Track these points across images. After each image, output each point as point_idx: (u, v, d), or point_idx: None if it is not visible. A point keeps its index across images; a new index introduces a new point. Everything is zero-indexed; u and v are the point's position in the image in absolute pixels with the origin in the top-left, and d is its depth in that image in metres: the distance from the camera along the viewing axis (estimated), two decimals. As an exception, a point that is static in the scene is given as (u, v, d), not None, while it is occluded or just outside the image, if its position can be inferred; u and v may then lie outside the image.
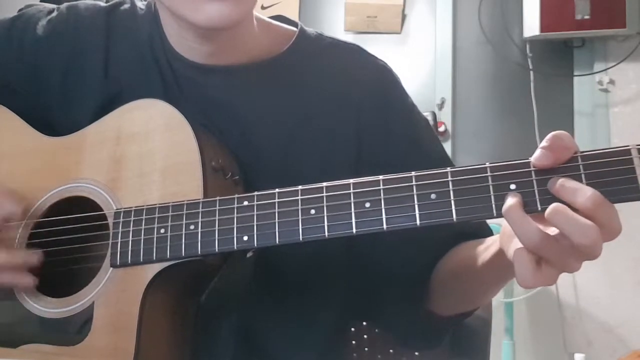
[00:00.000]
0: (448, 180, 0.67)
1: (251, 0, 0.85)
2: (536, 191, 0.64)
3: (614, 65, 2.58)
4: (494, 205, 0.65)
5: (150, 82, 0.93)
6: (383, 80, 0.97)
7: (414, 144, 0.94)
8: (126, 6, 0.99)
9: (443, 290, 0.90)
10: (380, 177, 0.70)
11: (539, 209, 0.63)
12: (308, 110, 0.93)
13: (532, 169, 0.65)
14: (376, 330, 1.10)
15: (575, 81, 2.68)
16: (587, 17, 2.50)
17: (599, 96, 2.63)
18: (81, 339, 0.79)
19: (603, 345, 2.46)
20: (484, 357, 1.17)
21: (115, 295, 0.79)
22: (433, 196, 0.67)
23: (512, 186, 0.65)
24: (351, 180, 0.71)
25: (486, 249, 0.78)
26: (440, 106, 2.77)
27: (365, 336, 1.10)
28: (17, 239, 0.87)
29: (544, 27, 2.55)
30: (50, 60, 0.96)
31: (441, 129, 2.71)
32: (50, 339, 0.81)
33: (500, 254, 0.71)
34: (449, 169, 0.68)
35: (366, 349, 1.09)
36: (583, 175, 0.63)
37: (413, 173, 0.69)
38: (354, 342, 1.09)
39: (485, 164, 0.66)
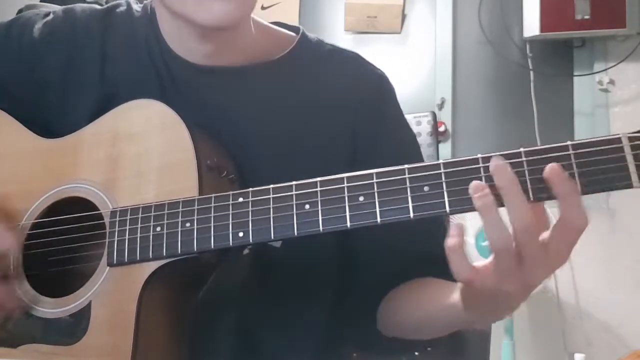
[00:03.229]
0: (440, 172, 0.67)
1: (253, 0, 0.86)
2: (528, 180, 0.64)
3: (614, 65, 2.58)
4: None
5: (146, 83, 0.93)
6: (380, 88, 0.98)
7: (397, 157, 0.94)
8: (122, 8, 0.99)
9: (395, 321, 0.92)
10: (374, 170, 0.70)
11: (532, 199, 0.64)
12: (305, 113, 0.94)
13: (523, 159, 0.65)
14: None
15: (575, 81, 2.68)
16: (587, 17, 2.50)
17: (599, 96, 2.63)
18: (79, 338, 0.79)
19: (603, 345, 2.46)
20: (484, 358, 1.18)
21: (112, 294, 0.79)
22: (426, 188, 0.67)
23: None
24: (345, 175, 0.71)
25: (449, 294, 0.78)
26: (440, 106, 2.77)
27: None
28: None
29: (544, 27, 2.55)
30: (47, 62, 0.96)
31: (441, 129, 2.71)
32: (48, 338, 0.81)
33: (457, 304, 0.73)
34: (441, 161, 0.68)
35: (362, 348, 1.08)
36: (574, 164, 0.63)
37: (406, 166, 0.69)
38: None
39: (477, 155, 0.67)
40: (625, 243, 2.38)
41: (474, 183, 0.64)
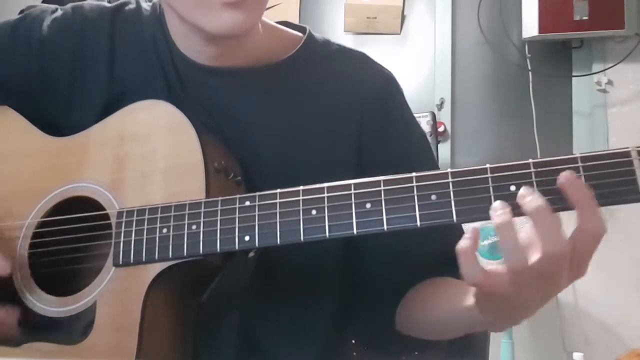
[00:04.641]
0: (448, 181, 0.67)
1: (263, 7, 0.86)
2: (536, 192, 0.63)
3: (613, 66, 2.58)
4: None
5: (154, 83, 0.93)
6: (387, 89, 0.98)
7: (407, 157, 0.94)
8: (131, 7, 0.99)
9: (415, 321, 0.92)
10: (381, 177, 0.70)
11: None
12: (311, 114, 0.94)
13: (532, 170, 0.65)
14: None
15: (574, 82, 2.69)
16: (585, 18, 2.51)
17: (597, 97, 2.63)
18: (83, 337, 0.79)
19: (601, 344, 2.47)
20: (483, 357, 1.18)
21: (117, 294, 0.79)
22: (433, 197, 0.67)
23: (512, 187, 0.65)
24: (352, 181, 0.71)
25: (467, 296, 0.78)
26: (440, 106, 2.77)
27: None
28: (20, 240, 0.87)
29: (542, 28, 2.55)
30: (56, 60, 0.96)
31: (440, 129, 2.72)
32: (52, 337, 0.81)
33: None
34: (449, 170, 0.68)
35: (366, 348, 1.09)
36: (582, 177, 0.63)
37: (414, 174, 0.69)
38: (354, 341, 1.09)
39: (485, 165, 0.67)
40: (623, 243, 2.39)
41: (495, 204, 0.64)
